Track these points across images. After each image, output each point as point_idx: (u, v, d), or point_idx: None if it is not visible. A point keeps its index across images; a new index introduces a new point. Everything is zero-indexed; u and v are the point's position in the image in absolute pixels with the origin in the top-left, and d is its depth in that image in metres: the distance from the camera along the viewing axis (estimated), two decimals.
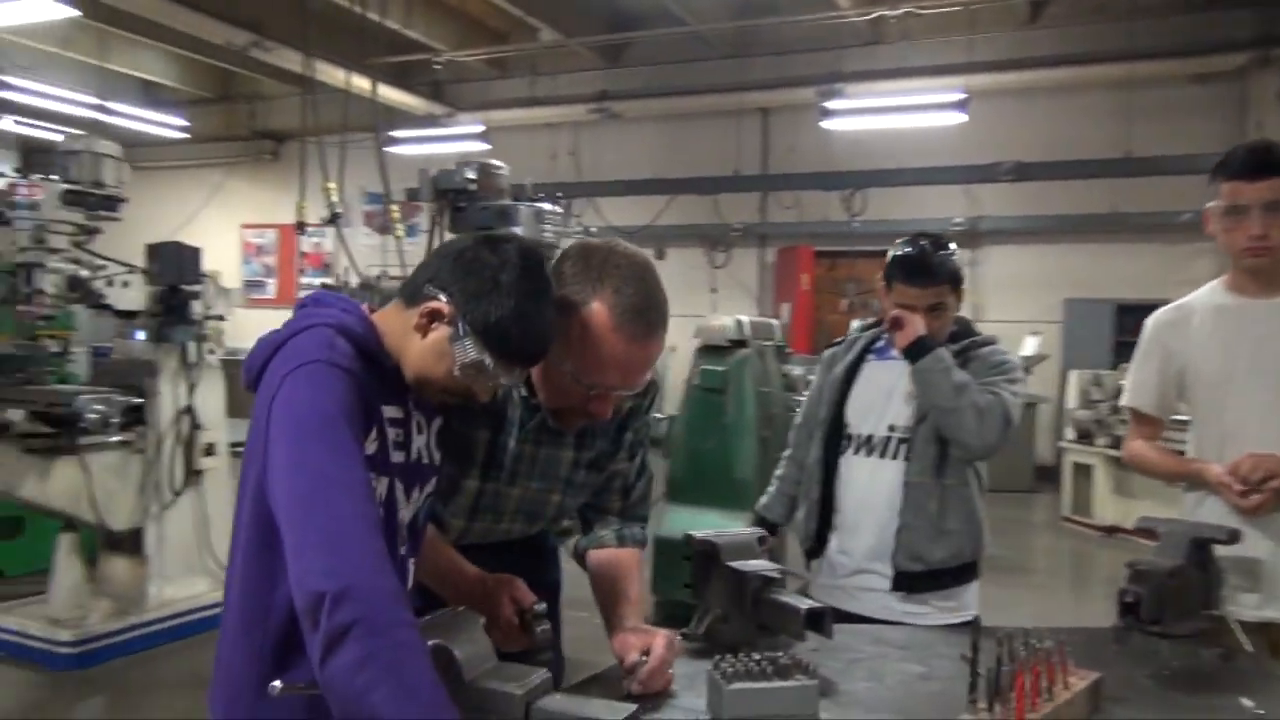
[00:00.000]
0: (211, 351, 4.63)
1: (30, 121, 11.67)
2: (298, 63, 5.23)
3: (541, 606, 1.64)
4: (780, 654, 1.63)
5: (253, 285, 15.03)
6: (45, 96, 10.98)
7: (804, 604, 1.82)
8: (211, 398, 4.74)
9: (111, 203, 4.59)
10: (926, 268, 2.37)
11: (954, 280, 2.40)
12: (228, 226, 15.07)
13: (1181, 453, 2.59)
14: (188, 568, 4.63)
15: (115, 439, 4.24)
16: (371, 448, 1.34)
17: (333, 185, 4.85)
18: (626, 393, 1.63)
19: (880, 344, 2.56)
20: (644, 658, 1.65)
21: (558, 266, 1.58)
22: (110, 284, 4.49)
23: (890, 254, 2.45)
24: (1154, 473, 2.68)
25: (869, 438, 2.45)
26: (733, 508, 4.56)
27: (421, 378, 1.39)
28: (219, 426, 4.76)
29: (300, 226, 5.54)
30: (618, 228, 11.79)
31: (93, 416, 4.01)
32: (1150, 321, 2.59)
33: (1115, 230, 10.56)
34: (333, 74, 6.68)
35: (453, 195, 3.95)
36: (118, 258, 4.80)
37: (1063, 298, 10.89)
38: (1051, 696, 1.51)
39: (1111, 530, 7.57)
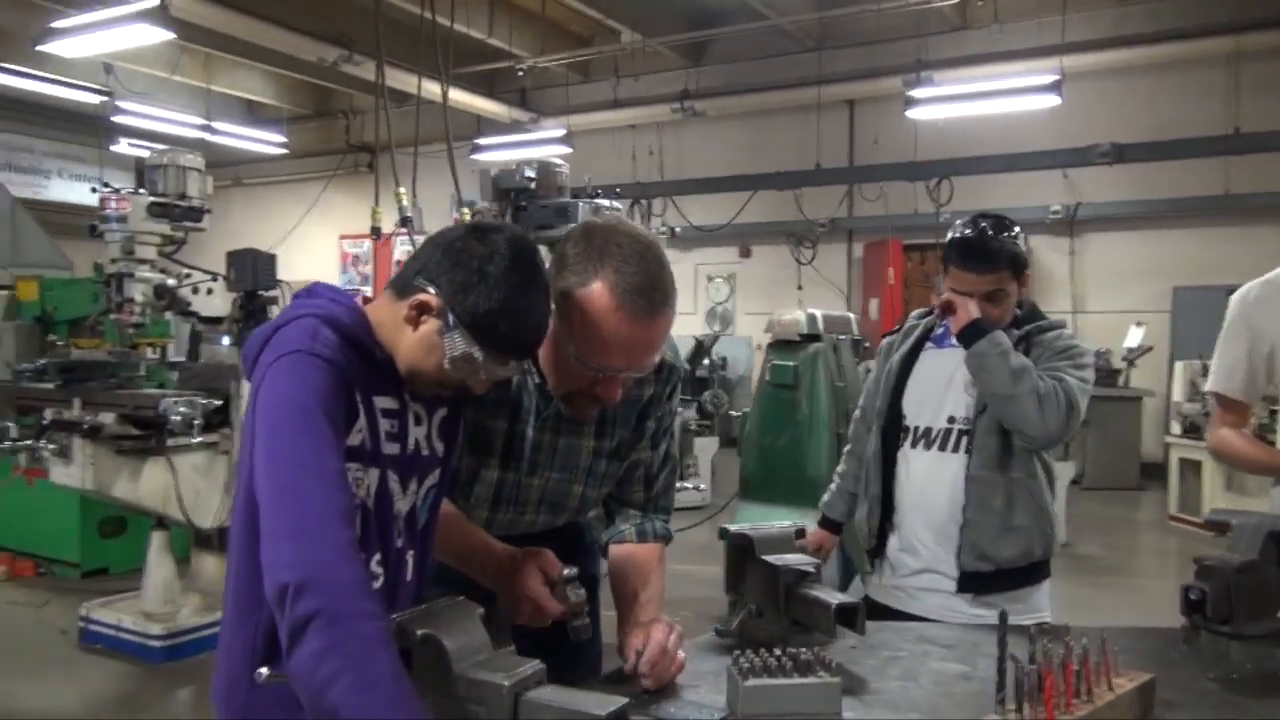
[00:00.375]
0: None
1: (143, 144, 12.28)
2: (388, 76, 5.37)
3: (571, 572, 1.61)
4: (803, 650, 1.55)
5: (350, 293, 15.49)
6: (156, 119, 11.56)
7: (835, 598, 1.74)
8: None
9: (196, 213, 4.76)
10: (984, 251, 2.21)
11: (1015, 265, 2.23)
12: (327, 237, 15.59)
13: (1273, 443, 2.40)
14: None
15: (199, 440, 4.39)
16: (357, 439, 1.32)
17: (403, 190, 4.94)
18: (634, 375, 1.58)
19: (939, 332, 2.43)
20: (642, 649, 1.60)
21: (561, 248, 1.54)
22: (196, 291, 4.66)
23: (949, 236, 2.33)
24: (1241, 463, 2.49)
25: (928, 430, 2.33)
26: (806, 505, 4.43)
27: (413, 370, 1.37)
28: None
29: (375, 232, 5.66)
30: (701, 227, 11.76)
31: (177, 418, 4.15)
32: (1235, 299, 2.41)
33: (1227, 213, 9.98)
34: (414, 84, 6.81)
35: (514, 195, 3.97)
36: (218, 270, 5.00)
37: (1171, 285, 10.34)
38: (1091, 698, 1.40)
39: (1222, 529, 7.12)
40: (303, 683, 1.10)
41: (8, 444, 4.62)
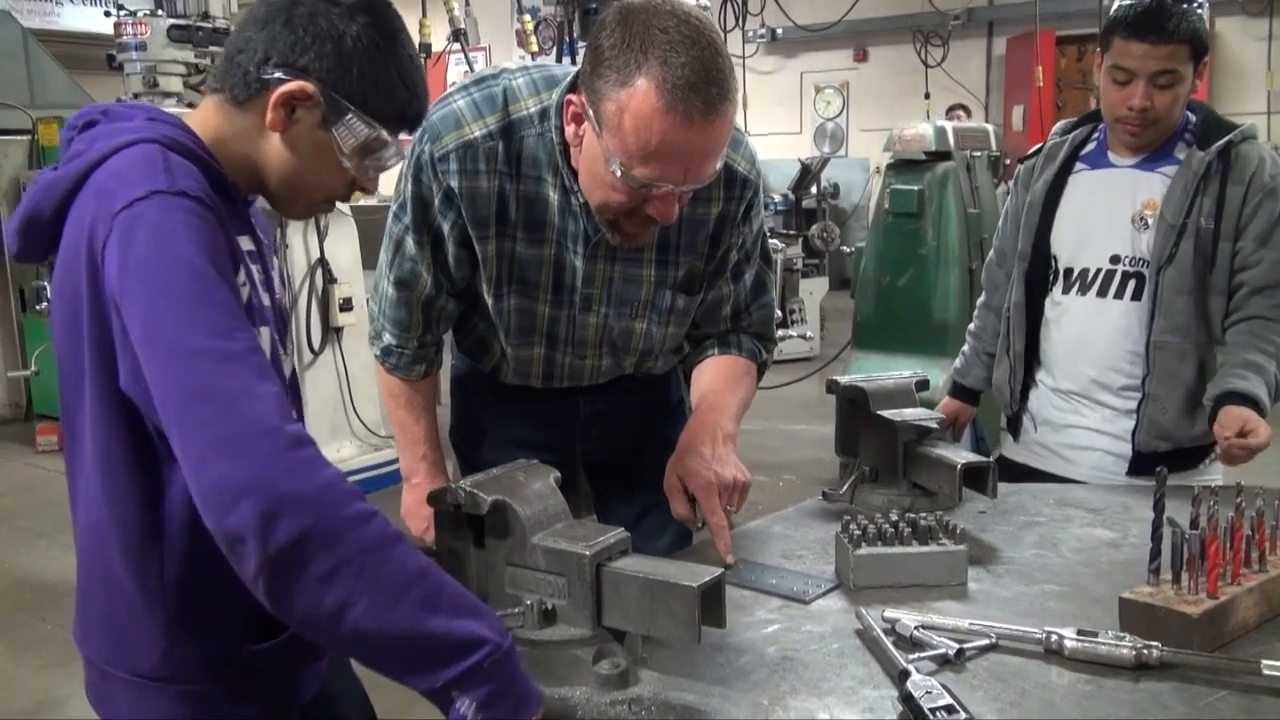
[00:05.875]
0: None
1: None
2: None
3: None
4: (923, 515, 1.57)
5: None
6: None
7: (963, 457, 1.74)
8: (344, 248, 4.99)
9: (220, 36, 4.77)
10: (1160, 15, 2.01)
11: (1195, 44, 2.04)
12: None
13: None
14: (333, 430, 5.00)
15: None
16: (245, 293, 1.21)
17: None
18: (690, 188, 1.51)
19: (1091, 148, 2.26)
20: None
21: (595, 39, 1.46)
22: None
23: (1114, 6, 2.15)
24: None
25: (1084, 272, 2.21)
26: (931, 354, 4.43)
27: (294, 183, 1.27)
28: (355, 279, 5.01)
29: (424, 50, 5.61)
30: (807, 26, 11.31)
31: None
32: None
33: None
34: None
35: None
36: None
37: None
38: (1263, 567, 1.39)
39: None
40: (304, 618, 1.03)
41: (45, 304, 4.87)
